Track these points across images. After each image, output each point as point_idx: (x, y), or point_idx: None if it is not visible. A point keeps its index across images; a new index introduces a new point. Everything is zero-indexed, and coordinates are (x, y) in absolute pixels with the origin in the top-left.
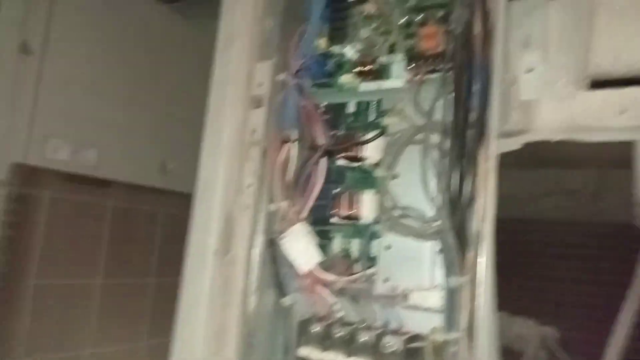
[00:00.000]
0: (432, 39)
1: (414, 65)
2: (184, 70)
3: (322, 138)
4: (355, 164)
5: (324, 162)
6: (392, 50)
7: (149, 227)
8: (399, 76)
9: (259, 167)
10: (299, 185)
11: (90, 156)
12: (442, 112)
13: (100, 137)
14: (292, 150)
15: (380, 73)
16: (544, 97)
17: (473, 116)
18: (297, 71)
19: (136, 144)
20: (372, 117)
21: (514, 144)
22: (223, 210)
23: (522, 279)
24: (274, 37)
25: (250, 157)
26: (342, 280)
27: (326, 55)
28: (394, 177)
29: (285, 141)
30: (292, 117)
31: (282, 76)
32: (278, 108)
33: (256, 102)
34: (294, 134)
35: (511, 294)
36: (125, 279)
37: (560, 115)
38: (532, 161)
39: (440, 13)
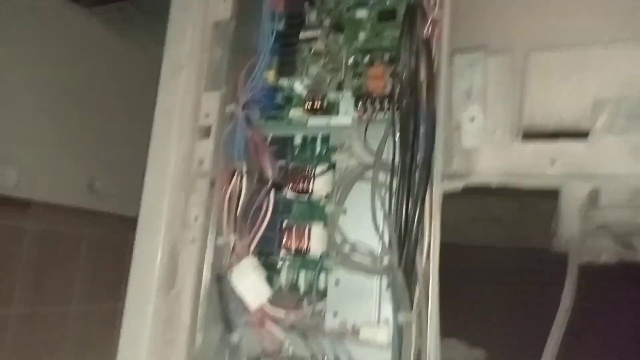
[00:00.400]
0: (379, 80)
1: (361, 103)
2: (115, 85)
3: (270, 171)
4: (304, 197)
5: (272, 195)
6: (340, 87)
7: (72, 251)
8: (347, 113)
9: (206, 199)
10: (247, 218)
11: (9, 175)
12: (389, 152)
13: (20, 155)
14: (241, 183)
15: (328, 109)
16: (484, 145)
17: (419, 158)
18: (246, 103)
19: (61, 161)
20: (320, 151)
21: (456, 186)
22: (168, 244)
23: (451, 303)
24: (222, 68)
25: (197, 188)
26: (291, 316)
27: (275, 89)
28: (343, 212)
29: (233, 173)
30: (240, 149)
31: (230, 107)
32: (226, 139)
33: (204, 133)
34: (243, 166)
35: (442, 318)
36: (46, 307)
37: (498, 163)
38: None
39: (387, 56)
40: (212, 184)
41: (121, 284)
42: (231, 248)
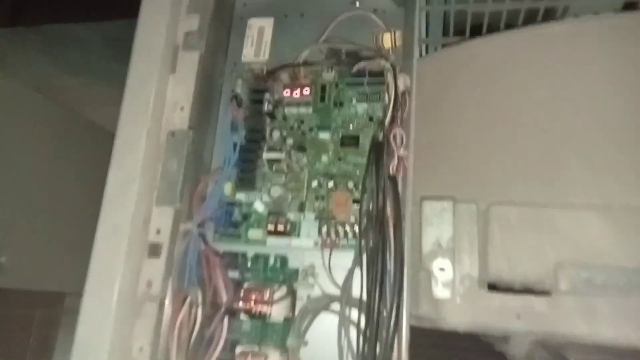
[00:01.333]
0: (342, 208)
1: (325, 228)
2: (19, 140)
3: (225, 294)
4: (259, 320)
5: (226, 320)
6: (302, 208)
7: None
8: (309, 236)
9: (154, 327)
10: (199, 347)
11: None
12: (354, 283)
13: None
14: (195, 312)
15: (289, 230)
16: (453, 294)
17: (389, 301)
18: (202, 221)
19: None
20: (278, 270)
21: (423, 325)
22: None
23: None
24: (177, 182)
25: (144, 314)
26: None
27: (231, 204)
28: (305, 344)
29: (184, 299)
30: (194, 270)
31: (185, 226)
32: (179, 261)
33: (153, 251)
34: (197, 294)
35: None
36: None
37: (466, 312)
38: None
39: (350, 183)
40: (162, 309)
41: None
42: None
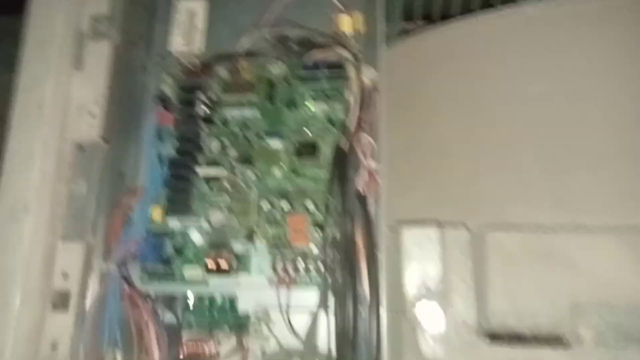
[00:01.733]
0: (300, 234)
1: (280, 261)
2: None
3: (156, 350)
4: None
5: None
6: (251, 237)
7: None
8: (261, 271)
9: None
10: None
11: None
12: (321, 333)
13: None
14: None
15: (237, 266)
16: (444, 348)
17: (362, 354)
18: (123, 259)
19: None
20: (226, 315)
21: None
22: None
23: None
24: (88, 209)
25: None
26: None
27: (161, 234)
28: None
29: None
30: (114, 323)
31: (101, 266)
32: (94, 311)
33: (59, 302)
34: (116, 350)
35: None
36: None
37: None
38: None
39: (309, 203)
40: None
41: None
42: None
